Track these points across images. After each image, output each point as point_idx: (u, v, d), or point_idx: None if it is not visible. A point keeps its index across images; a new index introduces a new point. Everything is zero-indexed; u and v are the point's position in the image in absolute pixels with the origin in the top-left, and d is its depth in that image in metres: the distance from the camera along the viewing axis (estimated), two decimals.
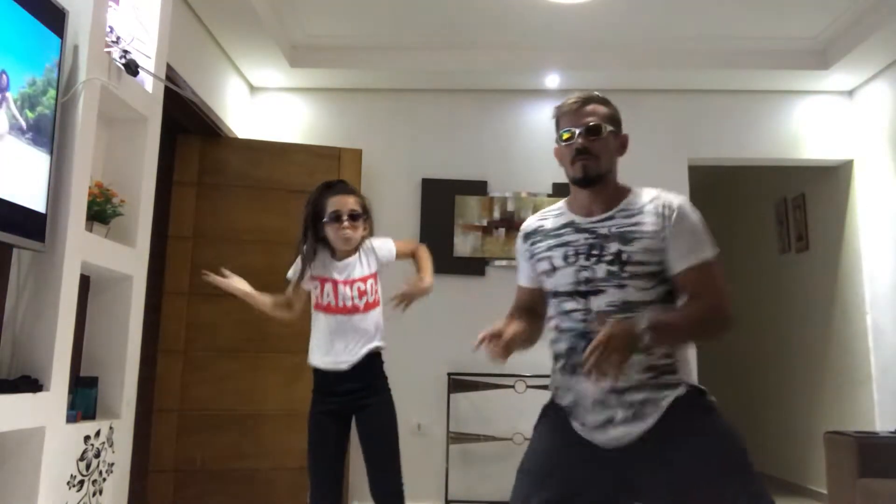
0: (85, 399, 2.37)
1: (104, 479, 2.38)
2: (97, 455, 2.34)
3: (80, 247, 2.22)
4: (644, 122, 4.56)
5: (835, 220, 4.63)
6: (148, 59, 2.69)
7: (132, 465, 2.62)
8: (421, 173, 4.51)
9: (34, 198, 2.05)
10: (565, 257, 1.64)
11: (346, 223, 2.34)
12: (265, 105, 4.64)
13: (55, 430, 2.09)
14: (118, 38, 2.47)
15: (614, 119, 1.68)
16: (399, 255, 2.48)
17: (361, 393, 2.33)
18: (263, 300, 2.48)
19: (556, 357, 1.66)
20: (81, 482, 2.25)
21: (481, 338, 1.56)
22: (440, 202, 4.43)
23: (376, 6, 3.95)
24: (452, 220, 4.42)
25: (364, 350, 2.32)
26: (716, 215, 6.42)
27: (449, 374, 4.14)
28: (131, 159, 2.65)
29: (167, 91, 2.90)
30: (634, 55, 4.33)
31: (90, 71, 2.26)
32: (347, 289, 2.35)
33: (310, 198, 2.44)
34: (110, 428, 2.42)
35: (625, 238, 1.58)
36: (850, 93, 4.52)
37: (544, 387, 4.02)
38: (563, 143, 1.66)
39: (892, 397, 4.04)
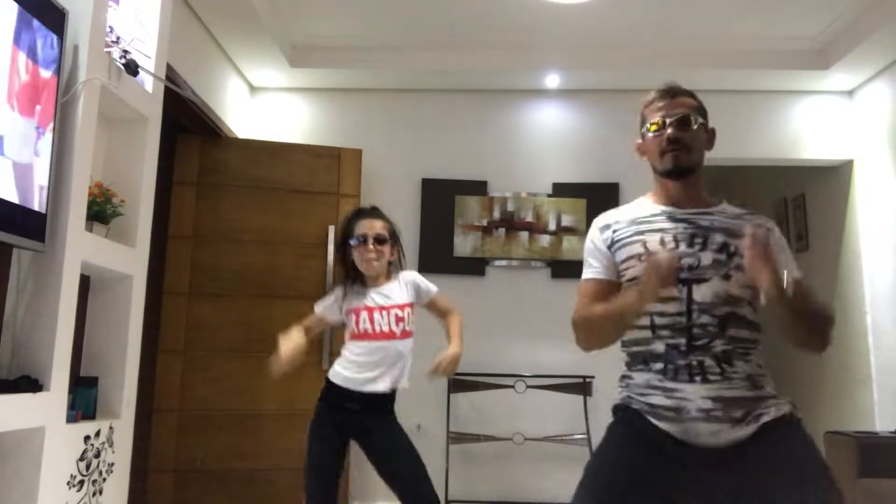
0: (85, 399, 2.37)
1: (104, 479, 2.38)
2: (97, 455, 2.33)
3: (80, 247, 2.22)
4: None
5: (835, 220, 4.63)
6: (148, 59, 2.69)
7: (132, 465, 2.62)
8: (421, 173, 4.50)
9: (34, 198, 2.05)
10: (662, 242, 1.56)
11: (371, 246, 2.37)
12: (265, 105, 4.64)
13: (55, 430, 2.09)
14: (118, 38, 2.47)
15: (703, 111, 1.65)
16: (434, 304, 2.48)
17: (366, 413, 2.32)
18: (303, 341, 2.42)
19: (652, 358, 1.54)
20: (81, 482, 2.25)
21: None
22: (440, 202, 4.43)
23: (376, 6, 3.95)
24: (452, 220, 4.41)
25: (392, 383, 2.33)
26: None
27: (450, 376, 4.13)
28: (131, 159, 2.65)
29: (167, 91, 2.90)
30: (634, 55, 4.32)
31: (90, 71, 2.26)
32: (384, 314, 2.36)
33: (342, 223, 2.50)
34: (110, 428, 2.42)
35: (731, 232, 1.55)
36: (850, 93, 4.51)
37: (544, 387, 4.05)
38: (652, 135, 1.62)
39: (892, 397, 4.04)
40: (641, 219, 1.63)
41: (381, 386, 2.31)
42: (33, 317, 2.11)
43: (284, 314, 3.92)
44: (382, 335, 2.35)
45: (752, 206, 1.71)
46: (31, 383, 2.02)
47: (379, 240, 2.39)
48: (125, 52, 2.47)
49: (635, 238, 1.60)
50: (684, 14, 3.97)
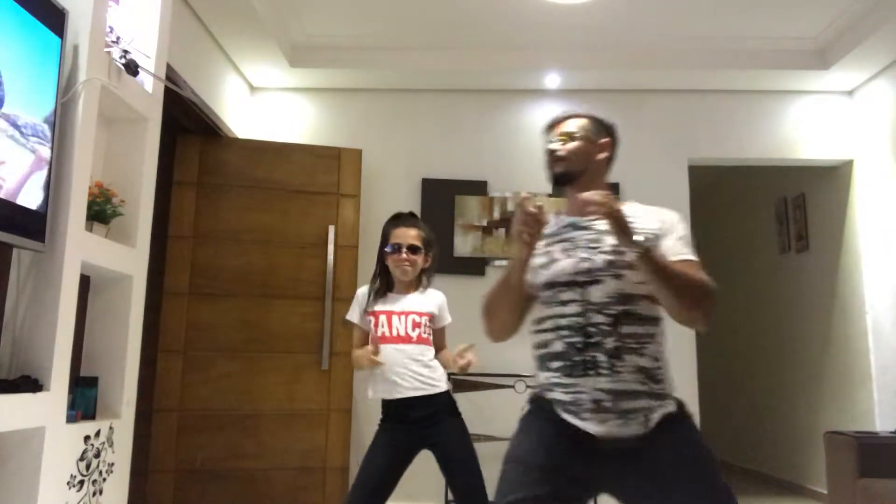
0: (85, 399, 2.37)
1: (104, 479, 2.38)
2: (97, 455, 2.34)
3: (80, 247, 2.22)
4: (644, 122, 4.56)
5: (835, 220, 4.63)
6: (148, 59, 2.69)
7: (132, 465, 2.61)
8: (421, 173, 4.51)
9: (34, 198, 2.05)
10: (565, 251, 1.74)
11: (404, 255, 2.45)
12: (265, 105, 4.64)
13: (55, 430, 2.09)
14: (118, 38, 2.47)
15: (589, 127, 1.84)
16: (442, 332, 2.56)
17: (430, 421, 2.40)
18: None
19: (552, 357, 1.69)
20: (81, 482, 2.25)
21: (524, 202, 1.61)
22: (440, 202, 4.43)
23: (376, 6, 3.95)
24: (452, 220, 4.42)
25: (416, 388, 2.39)
26: (716, 215, 6.48)
27: (449, 375, 4.13)
28: (131, 159, 2.65)
29: (167, 91, 2.90)
30: (634, 55, 4.33)
31: (90, 71, 2.26)
32: (402, 318, 2.44)
33: (383, 227, 2.58)
34: (110, 428, 2.42)
35: None
36: (851, 92, 4.52)
37: None
38: (546, 155, 1.84)
39: (892, 397, 4.04)
40: (552, 233, 1.80)
41: (406, 391, 2.38)
42: (33, 317, 2.11)
43: (284, 314, 3.97)
44: (398, 339, 2.41)
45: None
46: (31, 383, 2.02)
47: (412, 249, 2.47)
48: (125, 52, 2.47)
49: (545, 249, 1.77)
50: (684, 14, 3.97)
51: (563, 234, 1.78)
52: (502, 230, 4.41)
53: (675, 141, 4.54)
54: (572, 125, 1.83)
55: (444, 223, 4.40)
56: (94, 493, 2.32)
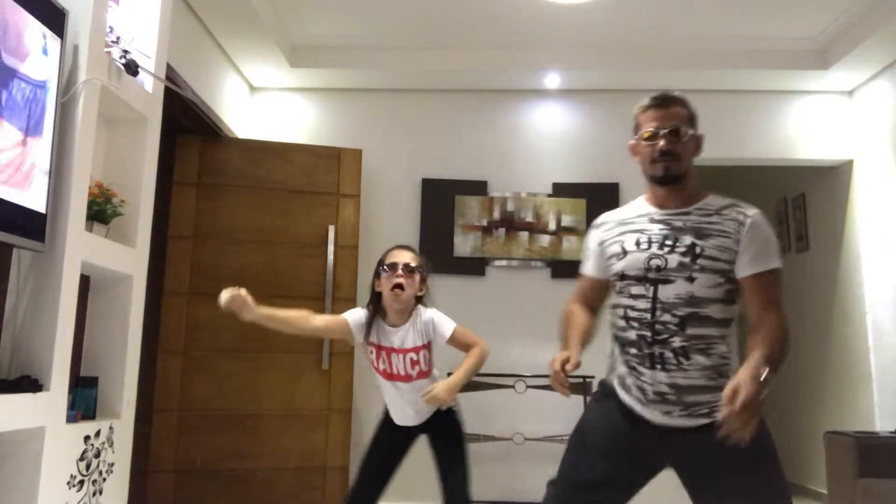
0: (85, 399, 2.37)
1: (104, 479, 2.38)
2: (97, 455, 2.34)
3: (80, 247, 2.22)
4: None
5: (835, 220, 4.63)
6: (148, 59, 2.69)
7: (132, 465, 2.62)
8: (421, 173, 4.50)
9: (34, 198, 2.05)
10: (637, 243, 1.71)
11: (399, 272, 2.36)
12: (265, 105, 4.64)
13: (55, 430, 2.09)
14: (118, 38, 2.47)
15: (693, 120, 1.76)
16: (454, 342, 2.46)
17: (430, 424, 2.49)
18: (284, 317, 2.32)
19: (628, 343, 1.70)
20: (81, 482, 2.25)
21: (556, 374, 1.61)
22: (440, 202, 4.43)
23: (376, 6, 3.95)
24: (452, 220, 4.41)
25: (427, 413, 2.45)
26: None
27: (449, 375, 4.13)
28: (131, 159, 2.65)
29: (167, 91, 2.90)
30: (634, 55, 4.32)
31: (90, 71, 2.26)
32: (400, 358, 2.40)
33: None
34: (110, 428, 2.42)
35: (700, 233, 1.65)
36: (851, 92, 4.51)
37: (544, 387, 4.04)
38: (645, 142, 1.73)
39: (892, 397, 4.04)
40: (627, 220, 1.78)
41: (418, 419, 2.45)
42: (33, 317, 2.11)
43: None
44: (399, 377, 2.41)
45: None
46: (31, 383, 2.02)
47: (408, 268, 2.38)
48: (125, 52, 2.47)
49: (617, 238, 1.76)
50: (684, 14, 3.97)
51: (637, 224, 1.74)
52: (502, 230, 4.41)
53: None
54: (678, 118, 1.70)
55: (444, 223, 4.40)
56: (94, 493, 2.32)
